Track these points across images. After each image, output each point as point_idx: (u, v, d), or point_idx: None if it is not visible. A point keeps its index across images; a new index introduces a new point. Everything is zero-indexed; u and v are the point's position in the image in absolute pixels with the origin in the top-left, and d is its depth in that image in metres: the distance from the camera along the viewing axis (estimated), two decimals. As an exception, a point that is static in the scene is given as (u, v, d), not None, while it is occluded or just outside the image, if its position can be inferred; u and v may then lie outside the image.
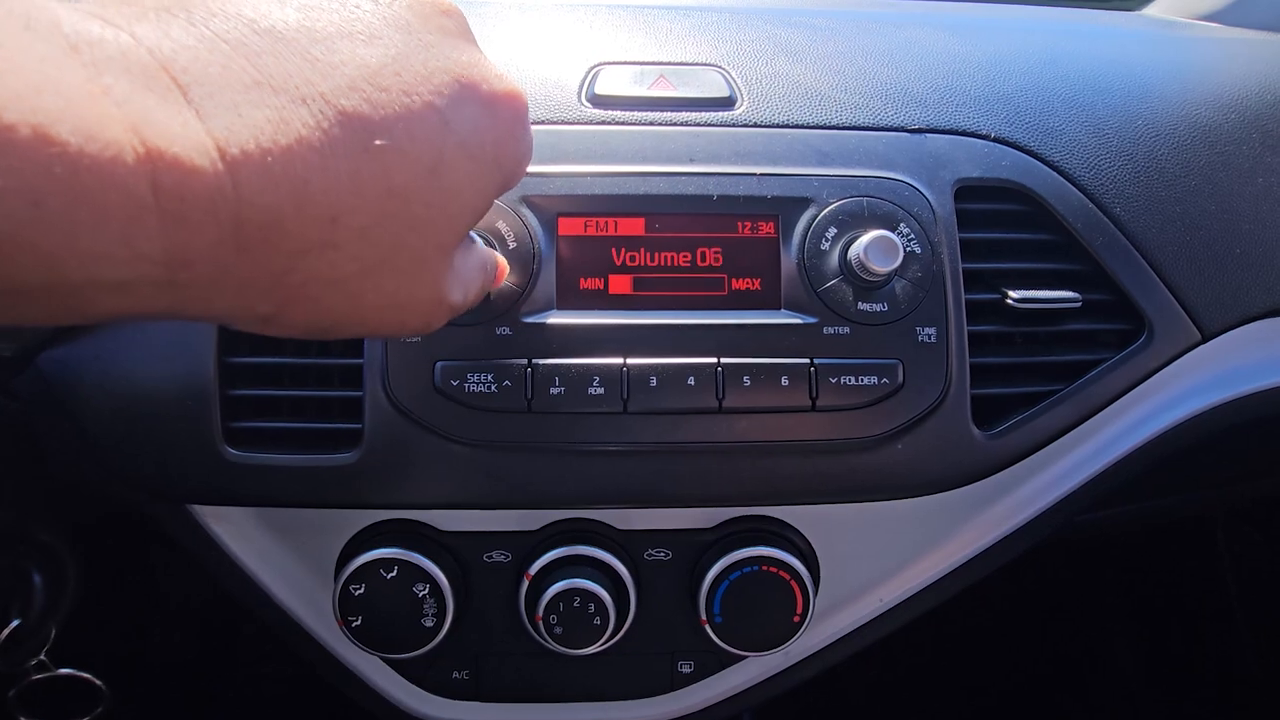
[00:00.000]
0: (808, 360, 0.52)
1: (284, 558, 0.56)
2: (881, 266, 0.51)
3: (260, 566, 0.56)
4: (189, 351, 0.53)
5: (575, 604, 0.52)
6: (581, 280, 0.54)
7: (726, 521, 0.56)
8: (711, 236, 0.55)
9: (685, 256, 0.55)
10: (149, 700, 0.68)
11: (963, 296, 0.55)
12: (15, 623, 0.51)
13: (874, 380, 0.52)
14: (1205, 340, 0.58)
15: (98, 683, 0.56)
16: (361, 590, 0.53)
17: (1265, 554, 0.91)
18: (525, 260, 0.53)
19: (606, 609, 0.52)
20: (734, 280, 0.55)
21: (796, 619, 0.54)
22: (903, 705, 1.09)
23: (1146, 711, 1.07)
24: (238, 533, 0.55)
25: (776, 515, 0.57)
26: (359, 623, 0.53)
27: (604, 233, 0.55)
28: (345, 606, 0.53)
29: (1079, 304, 0.56)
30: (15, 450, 0.53)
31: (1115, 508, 0.71)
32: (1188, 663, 1.06)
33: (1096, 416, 0.57)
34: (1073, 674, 1.11)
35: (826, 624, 0.59)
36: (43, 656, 0.53)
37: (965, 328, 0.54)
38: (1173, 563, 1.06)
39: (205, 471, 0.52)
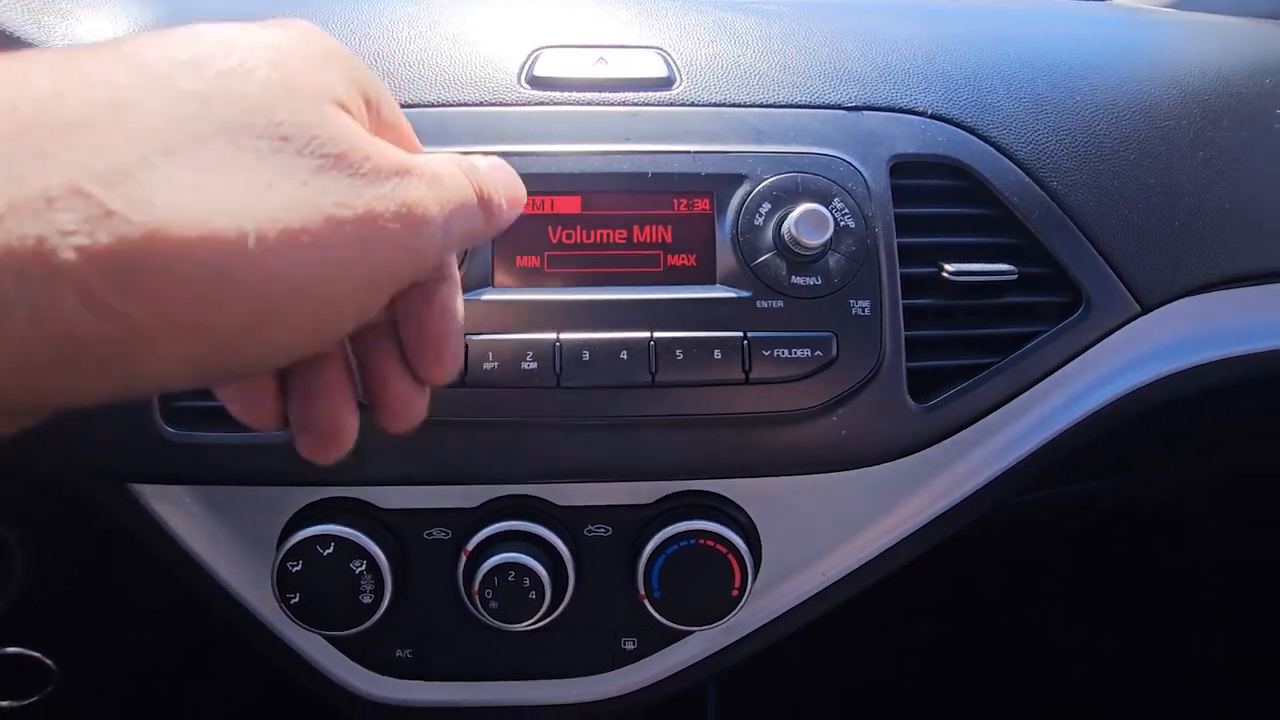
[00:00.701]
0: (741, 333, 0.52)
1: (226, 537, 0.56)
2: (812, 239, 0.51)
3: (203, 546, 0.56)
4: (129, 332, 0.53)
5: (510, 578, 0.52)
6: (517, 258, 0.54)
7: (666, 497, 0.57)
8: (647, 214, 0.55)
9: (621, 234, 0.55)
10: (101, 682, 0.68)
11: (898, 270, 0.55)
12: (-44, 602, 0.52)
13: (807, 353, 0.53)
14: (1144, 313, 0.58)
15: (48, 662, 0.56)
16: (299, 567, 0.53)
17: (1220, 539, 0.91)
18: (461, 238, 0.53)
19: (542, 584, 0.53)
20: (669, 257, 0.55)
21: (735, 593, 0.55)
22: (875, 681, 1.09)
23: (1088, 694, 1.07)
24: (180, 512, 0.56)
25: (716, 490, 0.57)
26: (297, 600, 0.53)
27: (540, 210, 0.55)
28: (283, 583, 0.53)
29: (1015, 276, 0.56)
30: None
31: (1057, 487, 0.71)
32: (1133, 651, 1.06)
33: (1034, 389, 0.57)
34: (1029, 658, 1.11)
35: (769, 598, 0.59)
36: (-15, 636, 0.54)
37: (900, 301, 0.55)
38: (1123, 549, 1.06)
39: (145, 451, 0.53)
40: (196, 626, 0.72)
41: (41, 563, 0.56)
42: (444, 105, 0.57)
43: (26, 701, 0.58)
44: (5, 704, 0.58)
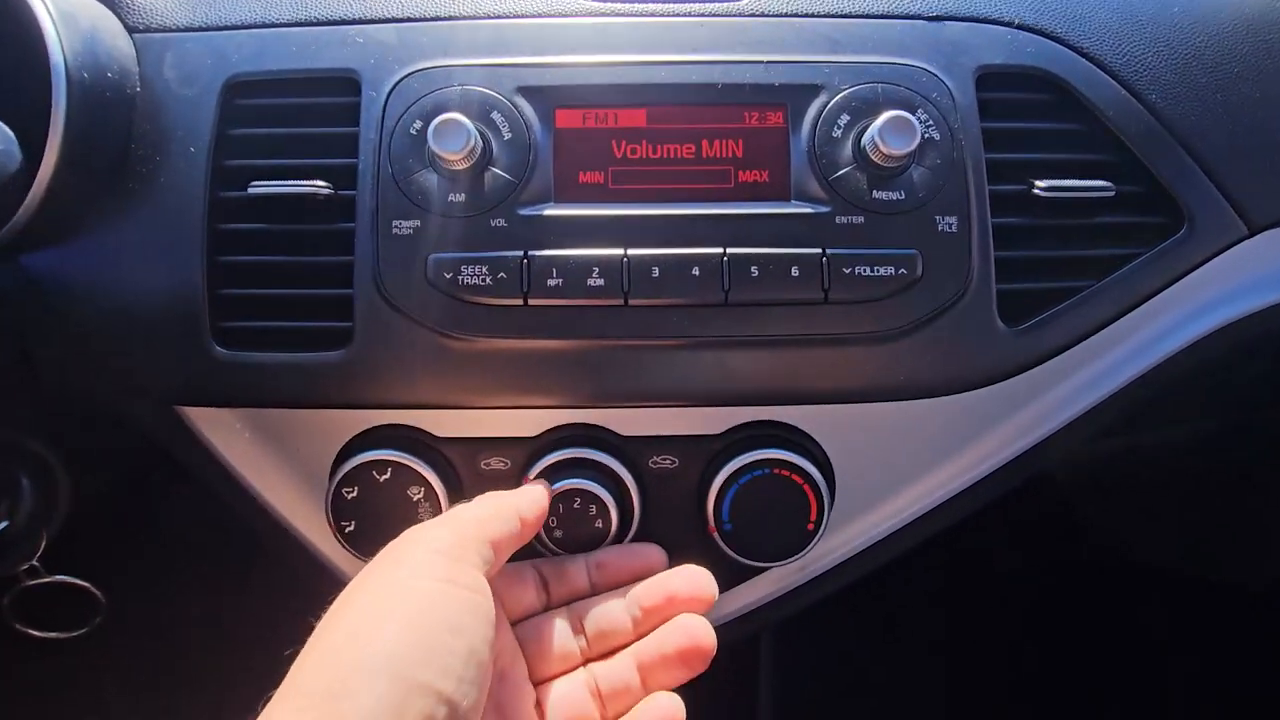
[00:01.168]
0: (819, 250, 0.49)
1: (276, 464, 0.54)
2: (897, 147, 0.48)
3: (251, 473, 0.54)
4: (179, 252, 0.51)
5: (576, 504, 0.50)
6: (580, 174, 0.51)
7: (735, 427, 0.53)
8: (717, 127, 0.52)
9: (689, 148, 0.52)
10: (146, 615, 0.67)
11: (986, 186, 0.51)
12: (3, 525, 0.50)
13: (890, 271, 0.49)
14: (1251, 235, 0.54)
15: (95, 591, 0.55)
16: (355, 494, 0.51)
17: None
18: (521, 152, 0.51)
19: (609, 511, 0.50)
20: (741, 172, 0.52)
21: (810, 527, 0.52)
22: (922, 637, 1.05)
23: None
24: (228, 438, 0.54)
25: (787, 421, 0.54)
26: (352, 528, 0.51)
27: (604, 125, 0.52)
28: (338, 511, 0.51)
29: (1112, 194, 0.52)
30: (1, 355, 0.52)
31: (1145, 431, 0.67)
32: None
33: (1131, 316, 0.53)
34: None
35: (843, 536, 0.56)
36: (35, 562, 0.53)
37: (989, 219, 0.51)
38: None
39: (195, 372, 0.51)
40: (240, 557, 0.71)
41: (86, 492, 0.55)
42: (505, 17, 0.54)
43: (76, 633, 0.57)
44: (54, 635, 0.57)
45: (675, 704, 0.45)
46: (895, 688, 1.00)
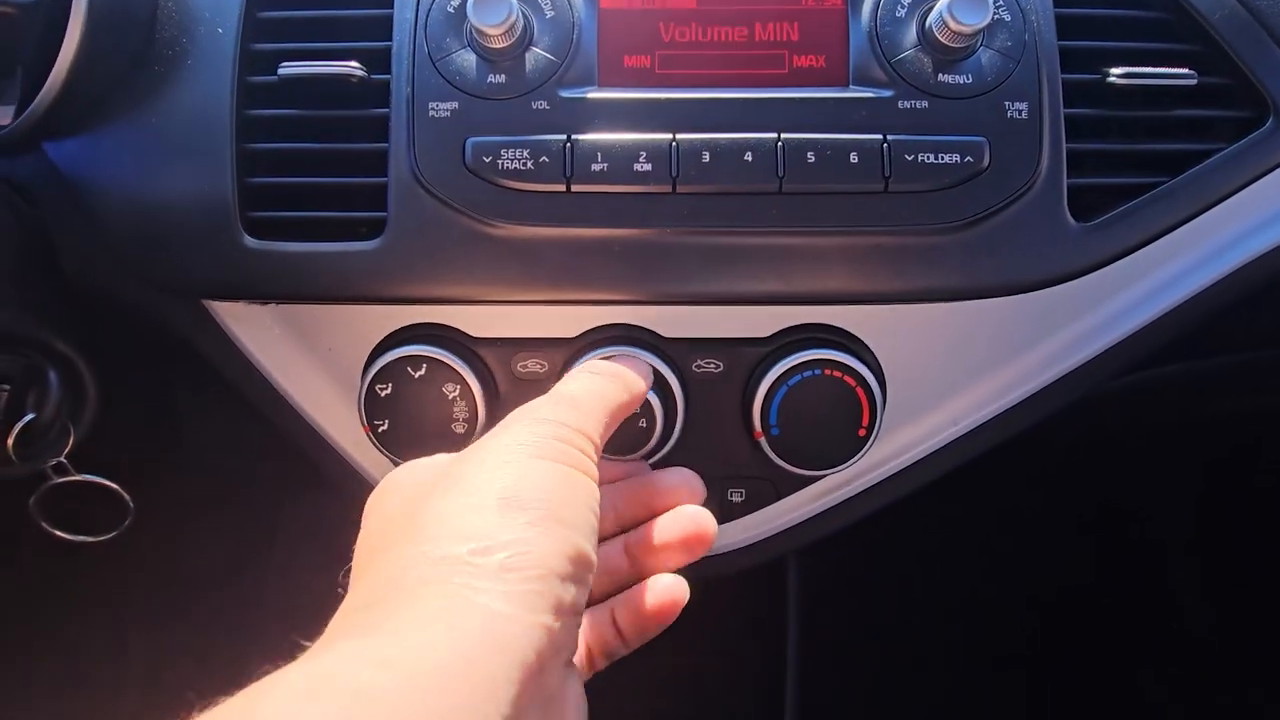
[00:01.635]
0: (880, 136, 0.46)
1: (306, 362, 0.53)
2: (969, 22, 0.44)
3: (280, 371, 0.52)
4: (206, 139, 0.49)
5: (619, 403, 0.48)
6: (626, 57, 0.49)
7: (783, 330, 0.51)
8: (771, 9, 0.49)
9: (741, 31, 0.49)
10: (175, 516, 0.66)
11: (1058, 73, 0.48)
12: (30, 416, 0.49)
13: (955, 159, 0.46)
14: (1340, 133, 0.51)
15: (123, 493, 0.53)
16: (389, 390, 0.49)
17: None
18: (564, 32, 0.48)
19: (654, 412, 0.48)
20: (795, 57, 0.49)
21: (862, 432, 0.49)
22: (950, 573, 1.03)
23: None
24: (257, 334, 0.52)
25: (838, 324, 0.51)
26: (385, 427, 0.49)
27: (651, 5, 0.49)
28: (371, 409, 0.49)
29: (1194, 83, 0.49)
30: (26, 248, 0.50)
31: (1214, 353, 0.64)
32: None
33: (1208, 215, 0.50)
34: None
35: (892, 447, 0.53)
36: (63, 459, 0.51)
37: (1061, 107, 0.48)
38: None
39: (224, 264, 0.49)
40: (268, 459, 0.70)
41: (113, 394, 0.53)
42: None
43: (105, 537, 0.56)
44: (81, 538, 0.56)
45: (679, 584, 0.43)
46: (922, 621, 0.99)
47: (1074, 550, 1.04)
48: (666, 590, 0.42)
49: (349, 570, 0.35)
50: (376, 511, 0.37)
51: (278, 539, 1.02)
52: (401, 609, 0.29)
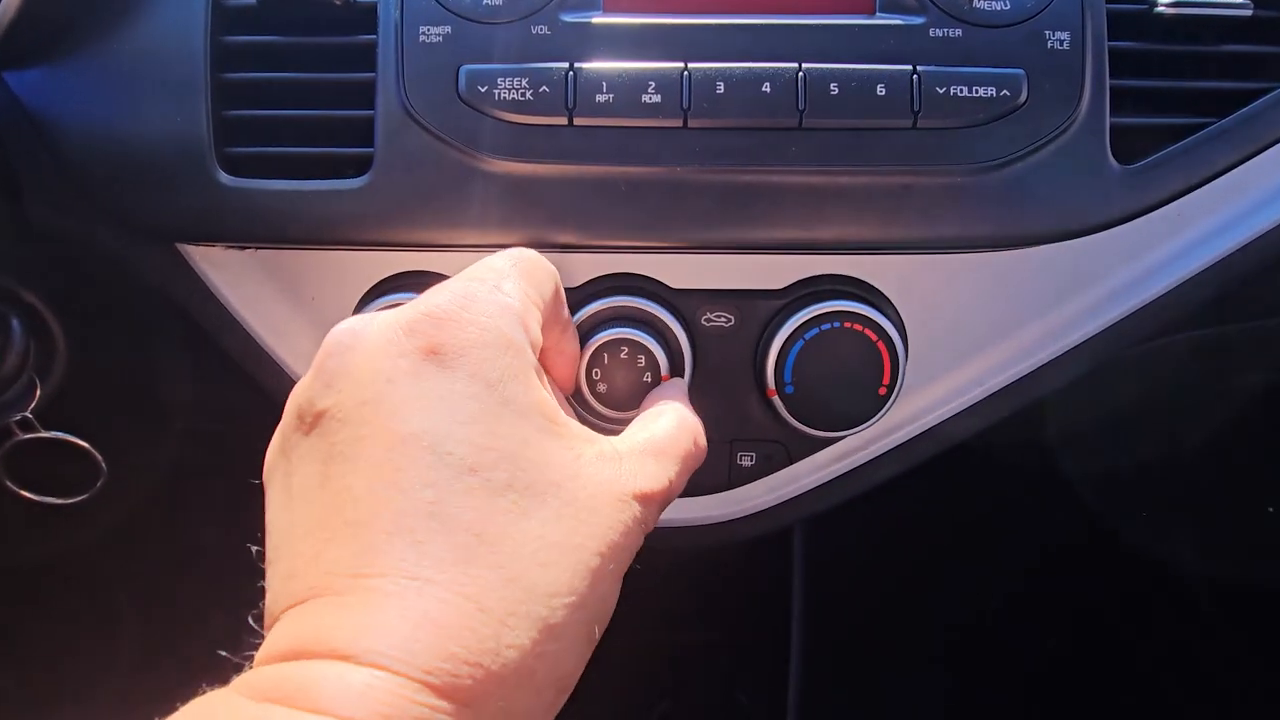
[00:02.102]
0: (910, 66, 0.43)
1: (287, 312, 0.49)
2: (1009, -61, 0.41)
3: (260, 321, 0.49)
4: (180, 68, 0.45)
5: (623, 355, 0.44)
6: (632, -21, 0.45)
7: (799, 282, 0.48)
8: (792, -70, 0.45)
9: (759, -46, 0.46)
10: (165, 482, 0.63)
11: (1102, 2, 0.45)
12: (-9, 366, 0.46)
13: (991, 92, 0.43)
14: (1403, 74, 0.47)
15: (94, 453, 0.50)
16: (376, 342, 0.46)
17: None
18: (566, -49, 0.44)
19: (658, 365, 0.45)
20: (818, -17, 0.45)
21: (883, 390, 0.46)
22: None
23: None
24: (235, 281, 0.49)
25: (858, 276, 0.48)
26: (374, 380, 0.46)
27: (662, -77, 0.46)
28: (358, 362, 0.46)
29: (1249, 14, 0.45)
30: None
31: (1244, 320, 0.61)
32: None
33: (1260, 159, 0.46)
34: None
35: (909, 407, 0.50)
36: (29, 414, 0.48)
37: (1105, 38, 0.44)
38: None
39: (200, 203, 0.45)
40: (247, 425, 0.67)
41: (85, 348, 0.50)
42: None
43: (75, 499, 0.53)
44: (50, 500, 0.53)
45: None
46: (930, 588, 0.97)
47: (1090, 529, 1.01)
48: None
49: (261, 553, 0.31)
50: (383, 410, 0.29)
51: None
52: None
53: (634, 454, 0.33)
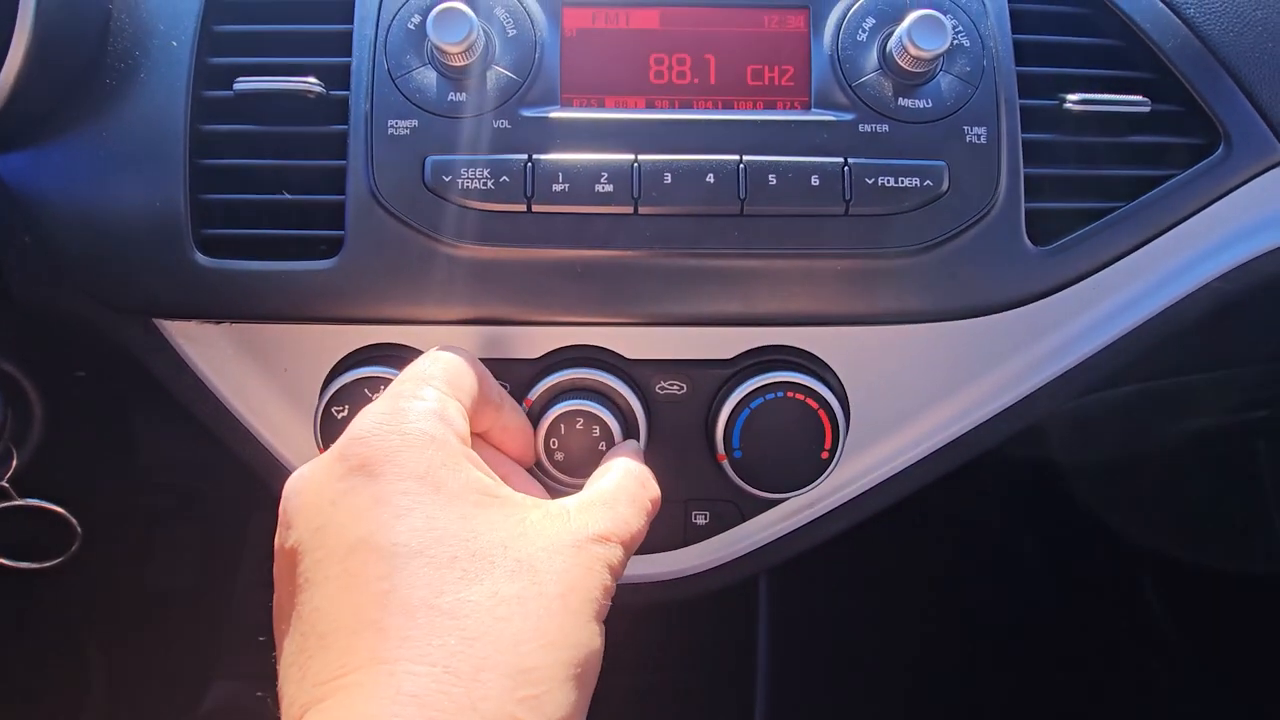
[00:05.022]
0: (841, 159, 0.47)
1: (261, 383, 0.51)
2: (928, 48, 0.45)
3: (233, 392, 0.51)
4: (159, 154, 0.48)
5: (578, 426, 0.47)
6: (588, 75, 0.49)
7: (746, 352, 0.51)
8: (734, 31, 0.49)
9: (706, 54, 0.49)
10: (136, 533, 0.64)
11: (1016, 99, 0.49)
12: (-32, 439, 0.47)
13: (915, 182, 0.47)
14: (1288, 160, 0.52)
15: (70, 518, 0.52)
16: (345, 413, 0.48)
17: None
18: (525, 50, 0.48)
19: (612, 435, 0.48)
20: (757, 79, 0.49)
21: (825, 455, 0.49)
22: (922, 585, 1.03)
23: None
24: (210, 354, 0.51)
25: (801, 346, 0.51)
26: (342, 449, 0.48)
27: (614, 25, 0.49)
28: (327, 432, 0.48)
29: (1147, 110, 0.50)
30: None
31: (1164, 377, 0.65)
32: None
33: (1163, 239, 0.50)
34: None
35: (852, 468, 0.53)
36: (4, 483, 0.50)
37: (1019, 132, 0.49)
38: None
39: (176, 281, 0.48)
40: (219, 482, 0.68)
41: (61, 414, 0.52)
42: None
43: (50, 564, 0.54)
44: (25, 565, 0.54)
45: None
46: (892, 633, 0.99)
47: (1045, 570, 1.05)
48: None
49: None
50: (331, 530, 0.33)
51: (245, 556, 0.99)
52: None
53: (582, 506, 0.37)
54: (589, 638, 0.32)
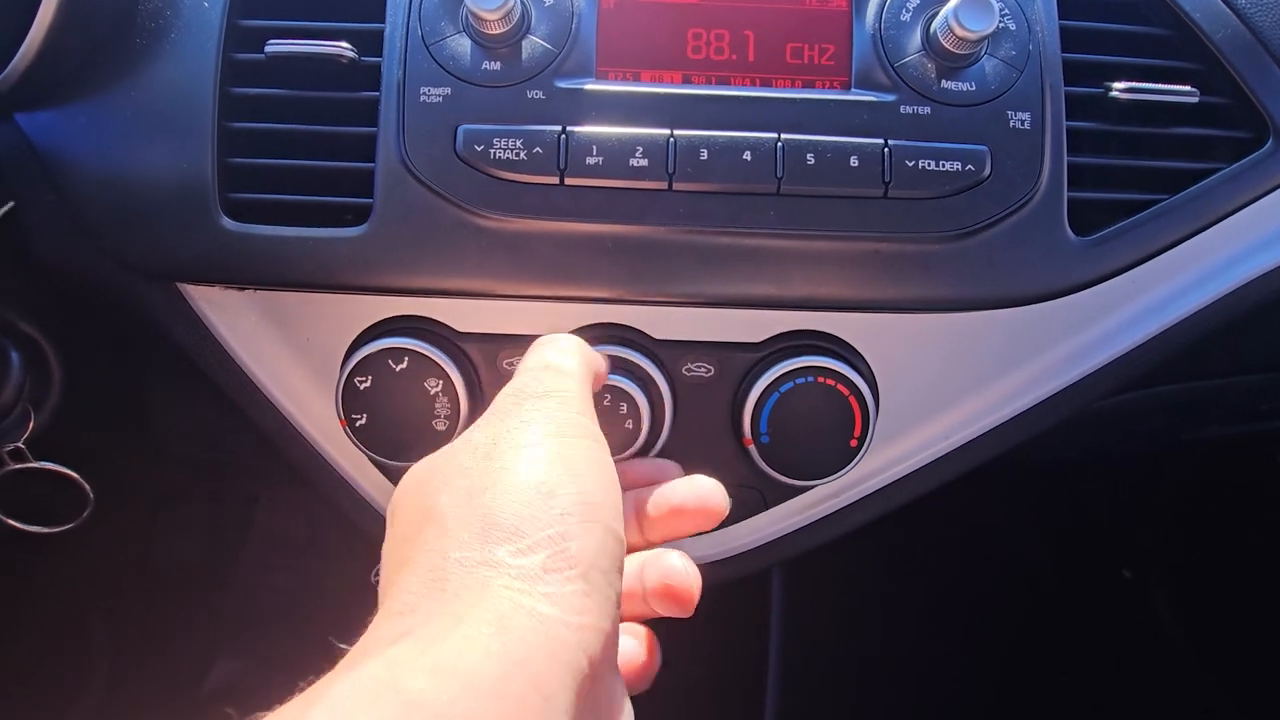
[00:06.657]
0: (882, 140, 0.46)
1: (282, 352, 0.51)
2: (974, 29, 0.44)
3: (254, 360, 0.50)
4: (188, 116, 0.47)
5: (605, 402, 0.46)
6: (624, 48, 0.48)
7: (776, 336, 0.50)
8: (774, 8, 0.48)
9: (745, 30, 0.48)
10: (144, 507, 0.64)
11: (1061, 85, 0.48)
12: (-12, 399, 0.47)
13: (956, 166, 0.46)
14: (1338, 156, 0.51)
15: (83, 483, 0.51)
16: (368, 384, 0.47)
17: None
18: (562, 20, 0.47)
19: (639, 412, 0.47)
20: (797, 57, 0.48)
21: (854, 442, 0.48)
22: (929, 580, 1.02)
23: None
24: (232, 320, 0.50)
25: (832, 332, 0.50)
26: (363, 421, 0.48)
27: (652, -2, 0.48)
28: (349, 403, 0.48)
29: (1195, 100, 0.48)
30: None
31: (1204, 379, 0.64)
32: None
33: (1206, 234, 0.49)
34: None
35: (883, 460, 0.52)
36: (21, 444, 0.49)
37: (1064, 119, 0.47)
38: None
39: (201, 246, 0.47)
40: (235, 452, 0.67)
41: (79, 379, 0.51)
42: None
43: (62, 528, 0.54)
44: (37, 529, 0.53)
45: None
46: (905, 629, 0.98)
47: (1056, 566, 1.03)
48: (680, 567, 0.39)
49: (379, 570, 0.34)
50: (403, 511, 0.35)
51: (250, 535, 0.99)
52: (447, 615, 0.28)
53: None
54: (612, 487, 0.34)
